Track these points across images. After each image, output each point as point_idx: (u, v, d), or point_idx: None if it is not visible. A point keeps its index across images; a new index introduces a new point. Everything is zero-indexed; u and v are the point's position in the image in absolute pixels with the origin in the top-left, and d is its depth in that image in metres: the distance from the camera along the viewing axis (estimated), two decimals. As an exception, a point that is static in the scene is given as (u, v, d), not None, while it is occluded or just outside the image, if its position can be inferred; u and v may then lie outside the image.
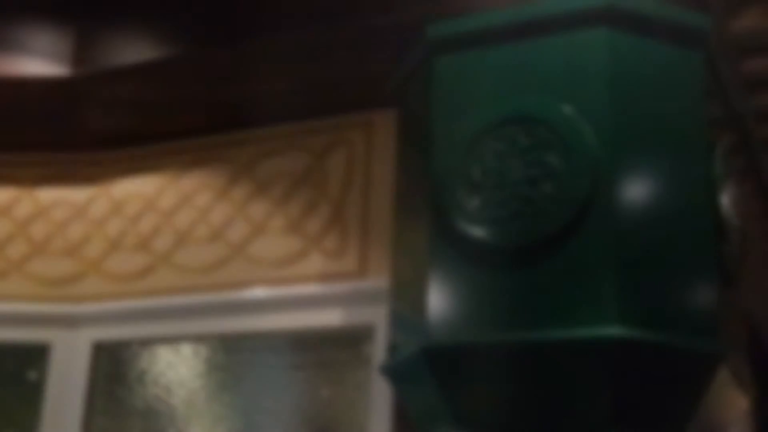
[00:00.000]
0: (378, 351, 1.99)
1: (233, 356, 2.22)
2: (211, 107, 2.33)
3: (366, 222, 2.15)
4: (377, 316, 2.01)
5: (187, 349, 2.25)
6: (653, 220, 1.57)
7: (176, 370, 2.25)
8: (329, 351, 2.12)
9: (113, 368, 2.29)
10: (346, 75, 2.15)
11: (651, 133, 1.61)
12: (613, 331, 1.48)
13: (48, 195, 2.44)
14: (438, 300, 1.61)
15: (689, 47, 1.67)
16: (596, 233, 1.54)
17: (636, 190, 1.58)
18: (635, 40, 1.64)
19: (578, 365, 1.52)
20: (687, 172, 1.61)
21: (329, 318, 2.10)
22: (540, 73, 1.66)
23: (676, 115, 1.64)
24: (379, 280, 2.03)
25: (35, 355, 2.31)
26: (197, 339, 2.24)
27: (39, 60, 2.29)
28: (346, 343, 2.11)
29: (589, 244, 1.54)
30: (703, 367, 1.54)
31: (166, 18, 2.24)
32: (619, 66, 1.62)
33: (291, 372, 2.14)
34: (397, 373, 1.73)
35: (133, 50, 2.25)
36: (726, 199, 1.68)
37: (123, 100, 2.33)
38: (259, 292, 2.18)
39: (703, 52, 1.69)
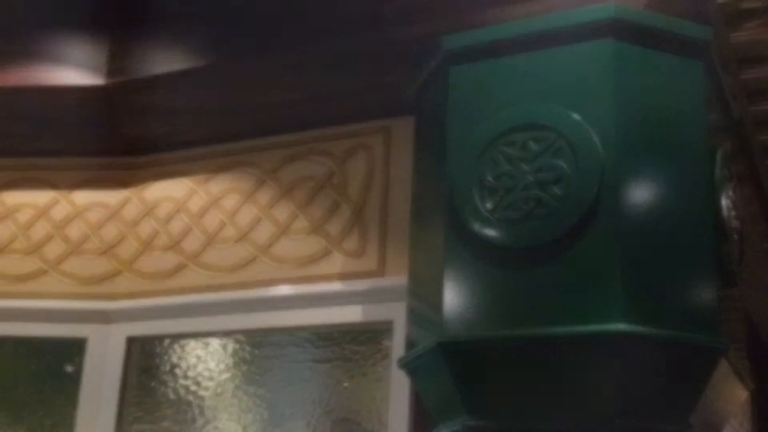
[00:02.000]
0: (397, 346, 2.01)
1: (259, 351, 2.22)
2: (238, 115, 2.34)
3: (385, 223, 2.17)
4: (396, 313, 2.03)
5: (215, 344, 2.28)
6: (657, 222, 1.61)
7: (205, 363, 2.27)
8: (350, 346, 2.13)
9: (146, 362, 2.31)
10: (366, 84, 2.16)
11: (654, 139, 1.64)
12: (619, 326, 1.51)
13: (84, 198, 2.47)
14: (453, 297, 1.65)
15: (691, 57, 1.71)
16: (603, 234, 1.57)
17: (640, 193, 1.62)
18: (640, 51, 1.67)
19: (585, 359, 1.55)
20: (689, 176, 1.65)
21: (350, 314, 2.11)
22: (550, 82, 1.69)
23: (679, 121, 1.67)
24: (397, 279, 2.04)
25: (72, 350, 2.33)
26: (225, 334, 2.26)
27: (75, 70, 2.32)
28: (366, 338, 2.12)
29: (596, 244, 1.57)
30: (704, 360, 1.58)
31: (195, 30, 2.27)
32: (625, 75, 1.65)
33: (314, 366, 2.15)
34: (414, 366, 1.76)
35: (164, 61, 2.28)
36: (726, 202, 1.71)
37: (155, 108, 2.36)
38: (283, 290, 2.20)
39: (704, 62, 1.72)
